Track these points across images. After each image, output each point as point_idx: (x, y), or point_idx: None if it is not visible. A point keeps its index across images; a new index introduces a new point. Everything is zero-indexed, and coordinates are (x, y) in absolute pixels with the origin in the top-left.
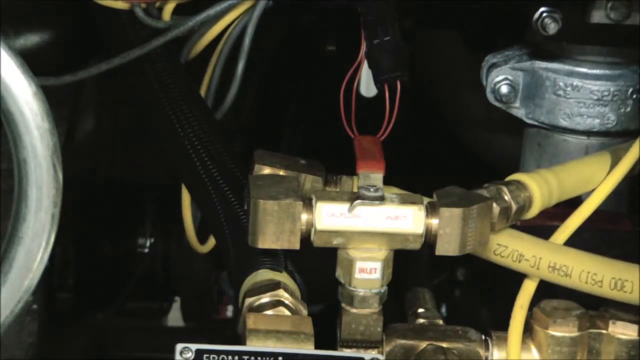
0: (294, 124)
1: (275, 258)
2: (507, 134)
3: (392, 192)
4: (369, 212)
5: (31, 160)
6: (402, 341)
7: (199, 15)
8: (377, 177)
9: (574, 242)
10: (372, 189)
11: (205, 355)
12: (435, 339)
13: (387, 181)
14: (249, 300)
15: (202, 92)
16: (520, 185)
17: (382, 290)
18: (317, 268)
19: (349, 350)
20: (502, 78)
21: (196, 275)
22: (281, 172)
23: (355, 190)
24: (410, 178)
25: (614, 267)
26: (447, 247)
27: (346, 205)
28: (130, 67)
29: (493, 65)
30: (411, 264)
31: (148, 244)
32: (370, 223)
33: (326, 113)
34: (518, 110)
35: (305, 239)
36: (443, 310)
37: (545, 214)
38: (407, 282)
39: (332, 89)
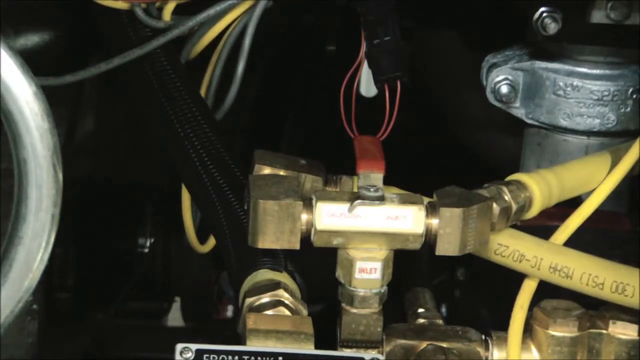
0: (294, 123)
1: (275, 258)
2: (507, 134)
3: (392, 192)
4: (369, 212)
5: (31, 160)
6: (402, 341)
7: (199, 15)
8: (377, 177)
9: (574, 242)
10: (372, 189)
11: (205, 355)
12: (435, 339)
13: (387, 181)
14: (249, 300)
15: (202, 92)
16: (520, 185)
17: (382, 290)
18: (317, 268)
19: (349, 350)
20: (502, 78)
21: (196, 275)
22: (281, 172)
23: (355, 190)
24: (410, 178)
25: (615, 270)
26: (447, 247)
27: (346, 205)
28: (130, 67)
29: (493, 65)
30: (411, 264)
31: (148, 244)
32: (370, 223)
33: (326, 113)
34: (518, 110)
35: (305, 239)
36: (443, 310)
37: (545, 214)
38: (407, 282)
39: (332, 89)
